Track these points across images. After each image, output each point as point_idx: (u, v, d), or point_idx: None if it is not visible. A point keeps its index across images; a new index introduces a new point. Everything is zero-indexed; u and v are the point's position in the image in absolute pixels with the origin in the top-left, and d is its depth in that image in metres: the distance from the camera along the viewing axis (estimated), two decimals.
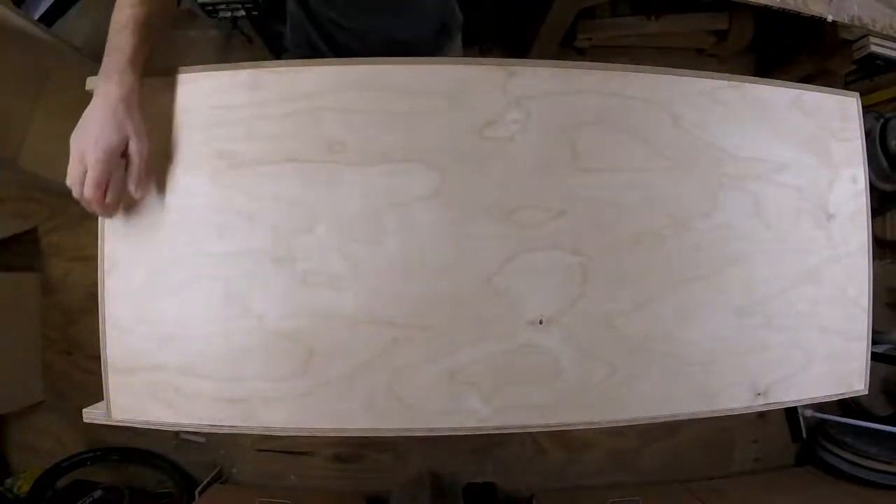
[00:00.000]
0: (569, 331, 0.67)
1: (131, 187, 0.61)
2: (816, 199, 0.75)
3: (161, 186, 0.66)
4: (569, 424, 0.68)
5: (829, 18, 1.20)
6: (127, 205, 0.65)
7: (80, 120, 0.61)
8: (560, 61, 0.70)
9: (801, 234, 0.75)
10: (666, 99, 0.71)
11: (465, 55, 1.01)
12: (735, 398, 0.71)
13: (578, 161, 0.69)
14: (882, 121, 1.55)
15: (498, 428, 0.67)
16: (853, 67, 1.44)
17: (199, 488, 1.54)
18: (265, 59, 0.89)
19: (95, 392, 0.67)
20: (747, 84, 0.74)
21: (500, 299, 0.66)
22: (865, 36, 1.29)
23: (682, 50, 1.81)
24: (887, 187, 1.59)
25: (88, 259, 0.80)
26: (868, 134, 0.97)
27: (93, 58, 1.54)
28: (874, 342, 0.79)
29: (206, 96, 0.67)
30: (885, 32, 1.27)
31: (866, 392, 0.77)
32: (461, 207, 0.67)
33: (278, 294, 0.65)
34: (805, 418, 1.74)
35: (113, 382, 0.66)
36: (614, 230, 0.69)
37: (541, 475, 1.70)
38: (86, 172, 0.59)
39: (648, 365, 0.69)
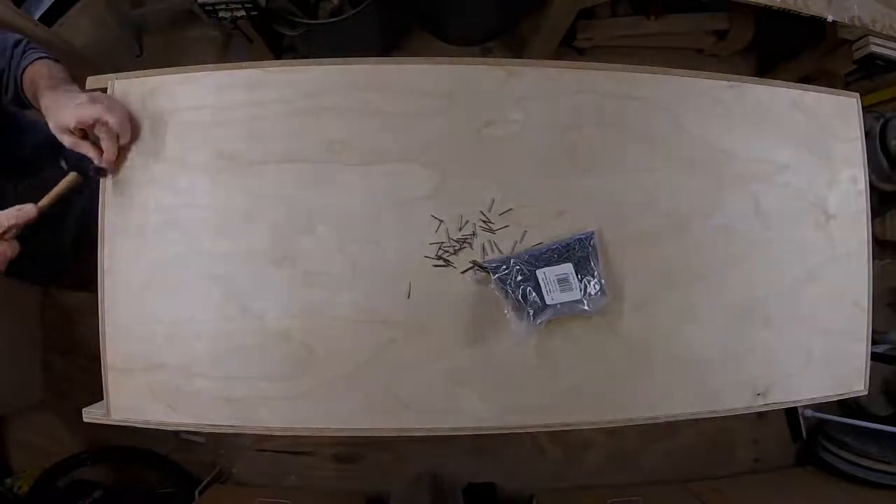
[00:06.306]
0: (568, 331, 0.67)
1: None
2: (816, 200, 0.75)
3: (161, 186, 0.66)
4: (569, 424, 0.68)
5: (829, 18, 1.19)
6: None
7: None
8: (560, 61, 0.70)
9: (801, 234, 0.75)
10: (666, 99, 0.71)
11: (464, 55, 1.01)
12: (735, 398, 0.71)
13: (578, 161, 0.69)
14: (882, 121, 1.55)
15: (497, 428, 0.67)
16: (853, 67, 1.44)
17: (199, 488, 1.54)
18: (265, 59, 0.89)
19: (95, 392, 0.67)
20: (747, 84, 0.74)
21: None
22: (865, 36, 1.29)
23: (682, 50, 1.80)
24: (887, 187, 1.59)
25: None
26: (868, 134, 0.97)
27: (93, 58, 1.54)
28: (874, 342, 0.79)
29: (206, 96, 0.67)
30: (885, 32, 1.27)
31: (866, 392, 0.77)
32: (461, 207, 0.67)
33: (278, 294, 0.65)
34: (805, 418, 1.74)
35: (113, 382, 0.66)
36: (614, 230, 0.69)
37: (541, 475, 1.70)
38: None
39: (648, 365, 0.69)
